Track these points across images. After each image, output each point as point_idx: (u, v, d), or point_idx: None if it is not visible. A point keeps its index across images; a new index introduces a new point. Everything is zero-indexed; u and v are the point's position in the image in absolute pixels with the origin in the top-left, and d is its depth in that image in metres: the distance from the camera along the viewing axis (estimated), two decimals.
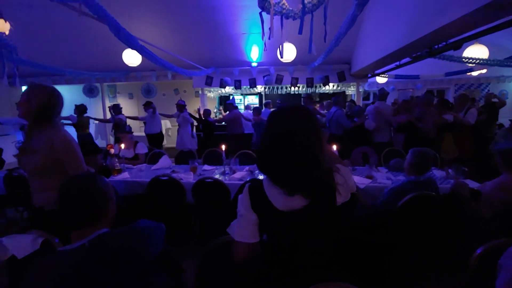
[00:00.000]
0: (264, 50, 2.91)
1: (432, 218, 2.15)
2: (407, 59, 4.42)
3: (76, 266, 0.88)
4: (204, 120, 6.32)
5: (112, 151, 3.25)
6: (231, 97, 9.77)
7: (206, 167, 3.48)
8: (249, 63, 7.08)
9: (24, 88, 8.32)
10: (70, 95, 8.70)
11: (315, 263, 1.04)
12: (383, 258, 1.77)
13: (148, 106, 6.07)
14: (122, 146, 3.68)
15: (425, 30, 2.92)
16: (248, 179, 2.82)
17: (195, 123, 6.80)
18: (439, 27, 2.63)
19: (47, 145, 1.58)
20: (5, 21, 3.06)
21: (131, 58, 5.03)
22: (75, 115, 5.78)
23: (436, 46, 3.45)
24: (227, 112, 6.60)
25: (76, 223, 0.94)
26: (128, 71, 7.28)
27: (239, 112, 6.37)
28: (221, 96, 9.96)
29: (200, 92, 8.11)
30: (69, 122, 5.63)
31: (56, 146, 1.57)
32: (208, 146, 5.61)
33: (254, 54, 6.74)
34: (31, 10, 4.87)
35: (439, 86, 9.55)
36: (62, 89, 8.47)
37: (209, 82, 7.27)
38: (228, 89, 8.42)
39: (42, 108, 1.57)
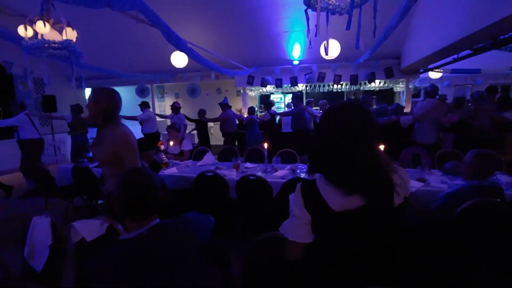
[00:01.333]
0: (309, 48, 2.86)
1: (496, 228, 1.93)
2: (467, 52, 4.01)
3: (135, 253, 0.97)
4: (199, 120, 6.46)
5: (162, 147, 3.49)
6: (271, 97, 9.78)
7: (248, 164, 3.55)
8: (290, 62, 7.04)
9: (87, 90, 9.32)
10: (125, 95, 9.45)
11: (367, 266, 1.01)
12: (438, 268, 1.64)
13: (144, 106, 6.19)
14: (171, 143, 3.92)
15: (489, 19, 2.62)
16: (290, 178, 2.82)
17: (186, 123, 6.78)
18: (506, 15, 2.34)
19: (109, 139, 1.79)
20: (73, 30, 3.44)
21: (179, 60, 5.31)
22: (70, 115, 5.76)
23: (501, 37, 3.09)
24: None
25: (135, 214, 1.03)
26: (175, 72, 7.71)
27: (232, 111, 6.41)
28: (262, 95, 10.05)
29: (241, 91, 8.28)
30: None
31: (116, 141, 1.78)
32: (203, 145, 6.09)
33: (296, 52, 6.68)
34: (94, 18, 5.41)
35: (504, 81, 8.51)
36: (118, 90, 9.28)
37: (250, 81, 7.38)
38: (269, 88, 8.46)
39: (107, 108, 1.80)
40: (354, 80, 6.80)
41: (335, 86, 7.65)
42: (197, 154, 4.14)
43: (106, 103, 1.79)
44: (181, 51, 3.54)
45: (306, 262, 1.12)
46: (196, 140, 6.99)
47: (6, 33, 3.95)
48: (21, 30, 3.31)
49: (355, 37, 2.64)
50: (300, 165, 3.39)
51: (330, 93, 8.94)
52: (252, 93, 9.38)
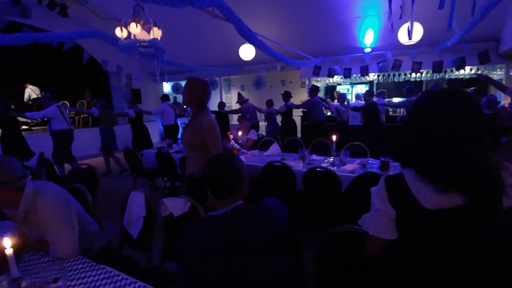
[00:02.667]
0: (390, 32, 2.63)
1: None
2: None
3: (220, 228, 1.06)
4: (219, 112, 6.48)
5: (231, 136, 3.67)
6: (337, 88, 9.35)
7: (314, 156, 3.50)
8: (361, 50, 6.59)
9: (165, 84, 10.31)
10: None
11: (461, 275, 0.91)
12: None
13: (163, 99, 6.35)
14: (240, 133, 4.11)
15: None
16: (360, 173, 2.68)
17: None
18: None
19: (197, 125, 1.97)
20: (158, 29, 3.82)
21: (247, 53, 5.46)
22: (97, 109, 5.87)
23: None
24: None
25: (221, 193, 1.12)
26: (242, 65, 7.96)
27: (251, 104, 6.39)
28: (328, 86, 9.68)
29: (307, 82, 8.11)
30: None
31: (203, 127, 1.94)
32: (223, 137, 5.80)
33: (368, 38, 6.21)
34: (170, 17, 5.92)
35: None
36: None
37: (317, 72, 7.17)
38: (336, 78, 8.09)
39: (201, 97, 1.98)
40: (438, 67, 6.00)
41: (413, 74, 6.89)
42: (262, 144, 4.24)
43: (200, 92, 1.97)
44: (251, 43, 3.63)
45: (386, 259, 1.07)
46: None
47: (105, 35, 4.60)
48: (117, 31, 3.83)
49: (444, 17, 2.32)
50: (371, 159, 3.20)
51: (406, 82, 8.07)
52: (318, 84, 9.11)
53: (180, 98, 9.23)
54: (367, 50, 6.50)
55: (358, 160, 3.13)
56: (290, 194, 2.92)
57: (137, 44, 3.55)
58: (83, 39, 6.45)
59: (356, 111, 5.98)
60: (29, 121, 7.37)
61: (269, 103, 6.30)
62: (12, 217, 1.49)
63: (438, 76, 7.27)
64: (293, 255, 1.35)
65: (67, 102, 8.12)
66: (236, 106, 7.88)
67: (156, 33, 3.86)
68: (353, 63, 6.79)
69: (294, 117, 6.24)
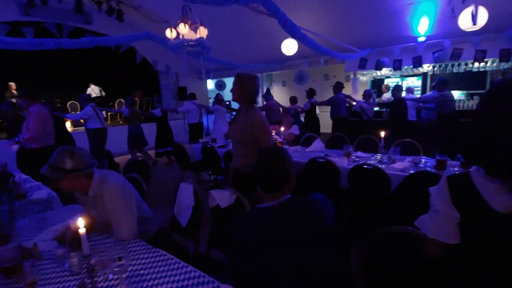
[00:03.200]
0: (452, 17, 2.38)
1: None
2: None
3: (267, 221, 1.07)
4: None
5: (274, 132, 3.69)
6: (385, 81, 8.78)
7: (359, 153, 3.35)
8: (414, 39, 6.09)
9: (208, 81, 10.69)
10: None
11: None
12: None
13: (191, 98, 6.46)
14: (282, 128, 4.11)
15: None
16: (412, 171, 2.50)
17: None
18: None
19: (247, 121, 1.99)
20: (204, 28, 3.97)
21: (289, 47, 5.40)
22: (127, 109, 6.08)
23: None
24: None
25: (270, 187, 1.14)
26: (284, 60, 7.89)
27: (275, 101, 6.48)
28: (375, 79, 9.14)
29: (352, 76, 7.76)
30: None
31: (254, 124, 1.96)
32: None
33: (423, 26, 5.71)
34: (217, 15, 6.08)
35: None
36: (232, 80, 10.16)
37: (363, 65, 6.82)
38: (384, 71, 7.61)
39: (252, 93, 2.01)
40: (506, 56, 5.29)
41: (476, 64, 6.17)
42: (305, 140, 4.18)
43: (251, 87, 1.99)
44: (294, 38, 3.58)
45: (445, 264, 0.99)
46: None
47: (156, 36, 4.91)
48: (167, 32, 4.06)
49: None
50: (425, 158, 2.96)
51: (468, 73, 7.25)
52: (363, 78, 8.64)
53: (226, 95, 9.50)
54: (421, 39, 5.98)
55: (409, 158, 2.93)
56: (334, 191, 2.84)
57: (185, 43, 3.73)
58: (136, 41, 6.95)
59: (382, 107, 5.95)
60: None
61: (293, 100, 6.41)
62: (82, 202, 1.69)
63: (505, 66, 6.42)
64: (339, 254, 1.33)
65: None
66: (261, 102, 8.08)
67: (203, 32, 4.01)
68: (405, 53, 6.30)
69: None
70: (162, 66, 8.90)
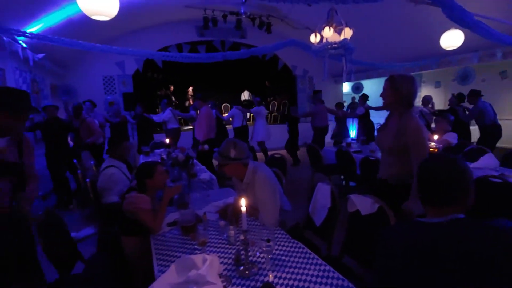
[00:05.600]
0: None
1: None
2: None
3: (430, 238, 0.92)
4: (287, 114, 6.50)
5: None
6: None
7: None
8: None
9: (344, 84, 10.40)
10: (378, 88, 9.59)
11: None
12: None
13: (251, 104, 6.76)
14: (436, 137, 3.48)
15: None
16: None
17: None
18: None
19: (401, 129, 1.77)
20: (350, 29, 3.87)
21: (451, 40, 4.53)
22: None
23: None
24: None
25: (434, 200, 0.98)
26: (441, 56, 6.63)
27: (323, 105, 6.29)
28: None
29: None
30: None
31: (408, 132, 1.73)
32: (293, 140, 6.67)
33: None
34: (362, 14, 5.79)
35: None
36: (373, 82, 9.35)
37: None
38: None
39: (409, 95, 1.79)
40: None
41: None
42: (469, 153, 3.37)
43: (408, 89, 1.77)
44: (464, 27, 2.94)
45: None
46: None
47: (301, 42, 5.19)
48: (312, 37, 4.22)
49: None
50: None
51: None
52: None
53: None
54: None
55: None
56: None
57: (328, 46, 3.76)
58: (281, 49, 7.62)
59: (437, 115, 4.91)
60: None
61: (340, 105, 6.66)
62: (238, 187, 2.01)
63: None
64: None
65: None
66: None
67: (347, 33, 3.94)
68: None
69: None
70: (300, 70, 9.36)
